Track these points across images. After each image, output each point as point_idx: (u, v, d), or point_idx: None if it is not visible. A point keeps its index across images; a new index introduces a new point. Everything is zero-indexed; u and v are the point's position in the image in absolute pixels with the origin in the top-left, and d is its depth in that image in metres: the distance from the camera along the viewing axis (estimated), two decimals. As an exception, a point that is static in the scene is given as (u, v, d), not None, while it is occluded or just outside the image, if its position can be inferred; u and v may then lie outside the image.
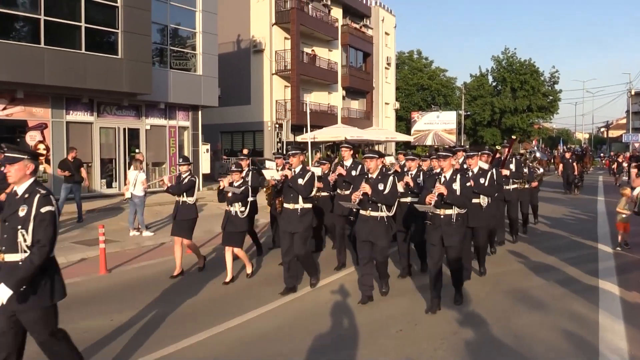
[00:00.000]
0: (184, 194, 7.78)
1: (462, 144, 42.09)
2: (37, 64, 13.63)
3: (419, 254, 7.75)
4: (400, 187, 6.82)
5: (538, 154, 12.53)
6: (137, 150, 17.09)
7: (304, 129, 25.19)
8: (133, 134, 17.56)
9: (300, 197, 6.61)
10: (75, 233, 11.13)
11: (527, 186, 10.86)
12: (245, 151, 18.59)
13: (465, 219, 6.15)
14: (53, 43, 14.11)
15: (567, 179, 20.69)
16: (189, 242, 7.83)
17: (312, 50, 31.49)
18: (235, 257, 7.51)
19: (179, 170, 8.16)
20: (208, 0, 19.29)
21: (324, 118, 30.40)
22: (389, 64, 40.83)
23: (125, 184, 12.67)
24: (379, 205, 6.08)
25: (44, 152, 15.00)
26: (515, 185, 9.91)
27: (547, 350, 4.78)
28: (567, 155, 22.07)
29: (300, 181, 6.58)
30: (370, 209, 6.10)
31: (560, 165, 22.06)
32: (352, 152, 8.07)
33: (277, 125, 28.22)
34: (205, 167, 20.49)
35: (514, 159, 9.96)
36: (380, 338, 5.10)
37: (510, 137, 10.42)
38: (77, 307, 5.92)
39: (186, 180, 7.83)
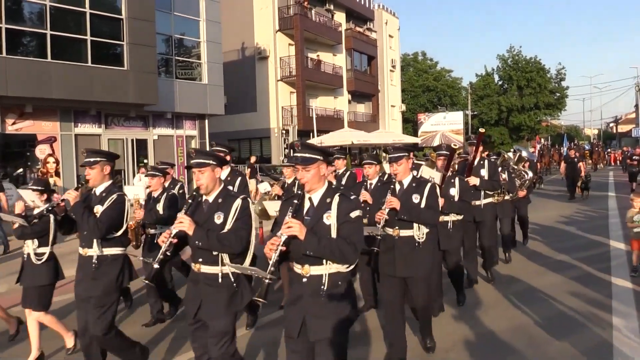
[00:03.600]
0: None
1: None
2: (44, 78, 13.78)
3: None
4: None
5: (524, 154, 9.90)
6: (144, 161, 17.22)
7: (311, 134, 25.25)
8: (141, 145, 17.69)
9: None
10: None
11: (508, 197, 8.08)
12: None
13: (434, 241, 4.89)
14: (60, 57, 14.27)
15: (572, 182, 17.56)
16: None
17: (317, 55, 31.58)
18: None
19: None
20: (211, 10, 19.42)
21: (331, 123, 30.44)
22: (393, 67, 40.83)
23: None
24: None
25: (54, 165, 15.15)
26: (490, 199, 7.11)
27: (560, 353, 4.74)
28: (572, 153, 19.38)
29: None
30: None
31: (563, 165, 19.27)
32: (345, 161, 7.17)
33: (283, 132, 28.30)
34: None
35: (486, 162, 7.05)
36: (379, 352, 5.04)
37: (478, 132, 6.88)
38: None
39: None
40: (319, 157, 3.13)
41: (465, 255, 6.85)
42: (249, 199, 3.73)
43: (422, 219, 4.40)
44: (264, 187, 7.01)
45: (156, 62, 16.65)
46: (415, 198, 4.43)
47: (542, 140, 41.80)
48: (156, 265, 3.48)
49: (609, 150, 47.61)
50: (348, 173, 6.99)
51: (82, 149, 4.60)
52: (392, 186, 4.53)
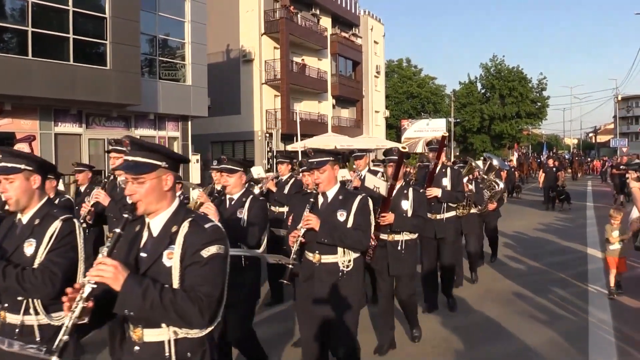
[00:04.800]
0: None
1: (452, 151, 42.34)
2: (24, 75, 13.57)
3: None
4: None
5: (495, 162, 9.13)
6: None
7: (294, 138, 25.21)
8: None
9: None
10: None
11: (476, 211, 7.40)
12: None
13: (361, 270, 3.77)
14: (41, 54, 14.06)
15: (549, 192, 17.11)
16: None
17: (302, 59, 31.58)
18: None
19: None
20: (197, 11, 19.33)
21: (314, 127, 30.42)
22: (378, 73, 41.03)
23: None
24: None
25: (32, 164, 14.90)
26: (453, 213, 6.18)
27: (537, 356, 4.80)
28: (550, 162, 18.91)
29: None
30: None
31: (541, 175, 18.46)
32: (289, 166, 6.76)
33: (267, 135, 28.22)
34: (195, 177, 20.44)
35: (449, 170, 6.07)
36: (370, 345, 5.04)
37: (442, 136, 6.12)
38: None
39: None
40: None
41: (424, 279, 6.09)
42: None
43: (346, 243, 3.50)
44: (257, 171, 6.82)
45: (140, 62, 16.51)
46: (341, 215, 3.56)
47: (520, 148, 42.32)
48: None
49: (589, 160, 48.37)
50: (292, 180, 6.49)
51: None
52: (311, 199, 3.61)
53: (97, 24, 15.44)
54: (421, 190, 4.96)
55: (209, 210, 3.76)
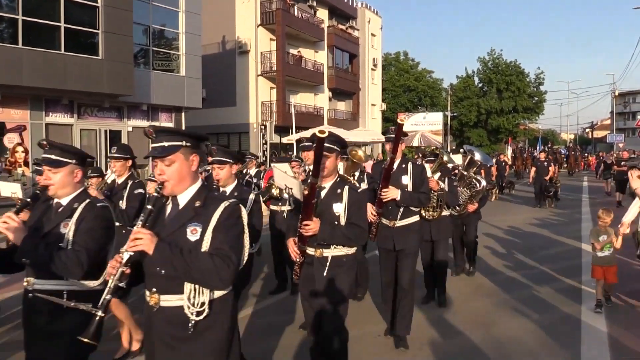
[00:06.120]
0: None
1: (449, 145, 42.25)
2: (15, 64, 13.40)
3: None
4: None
5: (478, 156, 6.96)
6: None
7: (290, 131, 25.08)
8: (115, 136, 17.32)
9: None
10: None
11: (447, 214, 6.26)
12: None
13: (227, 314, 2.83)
14: (31, 44, 13.88)
15: (540, 188, 16.08)
16: None
17: (298, 51, 31.37)
18: None
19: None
20: (191, 1, 19.11)
21: (311, 119, 30.28)
22: (375, 65, 40.84)
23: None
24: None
25: (23, 155, 14.73)
26: (415, 218, 4.90)
27: (526, 356, 4.70)
28: (542, 156, 17.55)
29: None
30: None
31: (533, 170, 17.28)
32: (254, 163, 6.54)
33: (262, 127, 28.07)
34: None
35: (410, 166, 4.84)
36: (356, 344, 4.95)
37: (398, 124, 4.50)
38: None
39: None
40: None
41: (383, 298, 5.20)
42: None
43: (191, 274, 2.27)
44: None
45: (132, 52, 16.31)
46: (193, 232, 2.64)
47: (516, 142, 42.18)
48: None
49: (586, 155, 48.31)
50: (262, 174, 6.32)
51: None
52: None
53: (89, 13, 15.23)
54: (359, 191, 3.78)
55: None
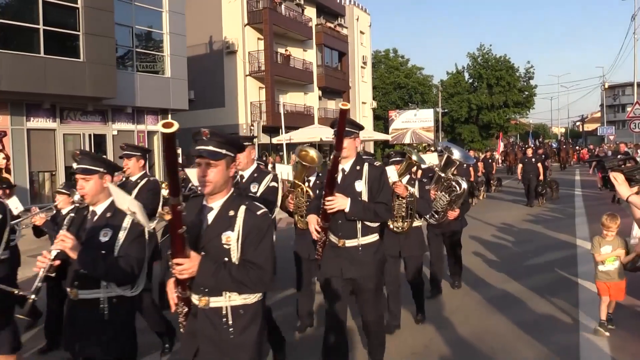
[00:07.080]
0: None
1: (440, 141, 42.07)
2: (-8, 69, 13.01)
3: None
4: None
5: (456, 154, 5.80)
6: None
7: (280, 131, 24.79)
8: (100, 141, 16.95)
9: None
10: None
11: (419, 224, 5.29)
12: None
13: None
14: (9, 47, 13.54)
15: (529, 186, 15.04)
16: None
17: (286, 50, 31.09)
18: None
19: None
20: (175, 1, 18.77)
21: (301, 119, 30.02)
22: (365, 63, 40.63)
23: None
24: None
25: (4, 161, 14.36)
26: (374, 237, 3.77)
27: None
28: (529, 152, 16.40)
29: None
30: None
31: (519, 167, 16.17)
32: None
33: (252, 127, 27.77)
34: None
35: (366, 168, 3.73)
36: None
37: (341, 110, 3.32)
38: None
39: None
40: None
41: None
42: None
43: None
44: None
45: (115, 54, 15.96)
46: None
47: (507, 137, 42.05)
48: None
49: (577, 148, 48.39)
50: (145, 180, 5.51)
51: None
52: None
53: (68, 15, 14.87)
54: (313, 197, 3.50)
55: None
